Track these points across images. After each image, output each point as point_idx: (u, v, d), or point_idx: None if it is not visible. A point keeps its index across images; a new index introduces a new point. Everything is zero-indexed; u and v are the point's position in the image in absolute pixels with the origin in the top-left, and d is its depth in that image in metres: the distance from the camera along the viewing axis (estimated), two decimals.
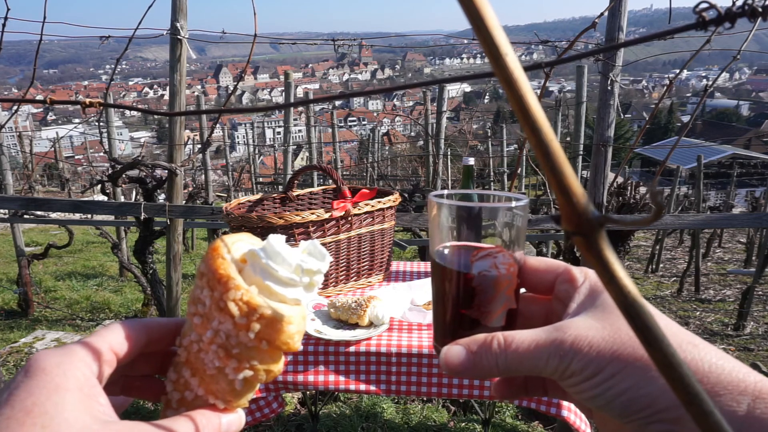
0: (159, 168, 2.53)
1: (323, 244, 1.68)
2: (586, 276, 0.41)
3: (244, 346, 0.39)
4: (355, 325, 1.51)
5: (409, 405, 2.90)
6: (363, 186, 2.64)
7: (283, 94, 4.40)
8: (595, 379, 0.35)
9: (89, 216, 6.22)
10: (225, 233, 0.58)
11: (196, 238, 7.81)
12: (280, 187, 7.43)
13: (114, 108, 3.50)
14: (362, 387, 1.44)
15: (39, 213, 4.72)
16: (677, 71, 2.59)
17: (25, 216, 4.42)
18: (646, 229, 5.74)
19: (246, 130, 15.68)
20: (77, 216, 5.79)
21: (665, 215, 2.31)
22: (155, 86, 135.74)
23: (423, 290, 1.69)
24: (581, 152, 3.98)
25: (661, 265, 7.37)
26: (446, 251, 0.46)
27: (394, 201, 1.84)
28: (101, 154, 16.12)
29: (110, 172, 2.63)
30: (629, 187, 2.25)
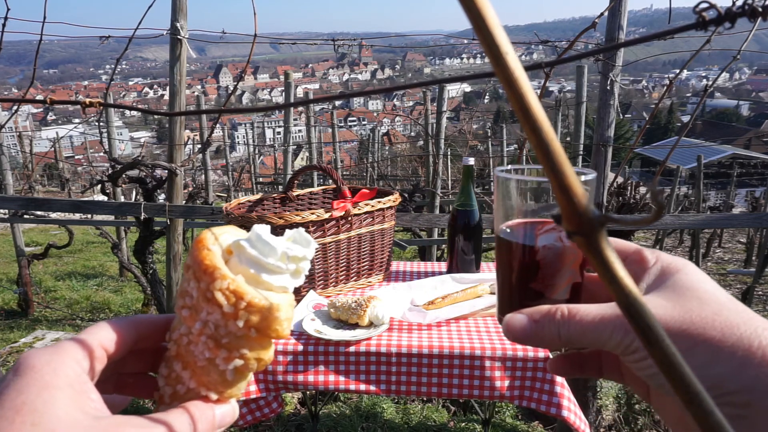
0: (159, 168, 2.53)
1: (323, 244, 1.68)
2: (657, 258, 0.41)
3: (233, 336, 0.39)
4: (355, 325, 1.51)
5: (409, 405, 2.90)
6: (363, 186, 2.64)
7: (283, 94, 4.40)
8: None
9: (89, 216, 6.21)
10: None
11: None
12: (280, 187, 7.43)
13: (114, 108, 3.50)
14: (362, 387, 1.44)
15: (39, 213, 4.72)
16: (677, 71, 2.59)
17: (25, 216, 4.42)
18: (646, 229, 5.74)
19: (246, 130, 15.68)
20: (77, 216, 5.79)
21: (665, 215, 2.31)
22: (155, 86, 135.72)
23: (423, 290, 1.69)
24: (581, 152, 3.98)
25: None
26: (511, 227, 0.47)
27: (394, 201, 1.84)
28: (101, 154, 16.12)
29: (110, 172, 2.63)
30: (629, 187, 2.25)
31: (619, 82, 1.98)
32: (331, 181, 2.12)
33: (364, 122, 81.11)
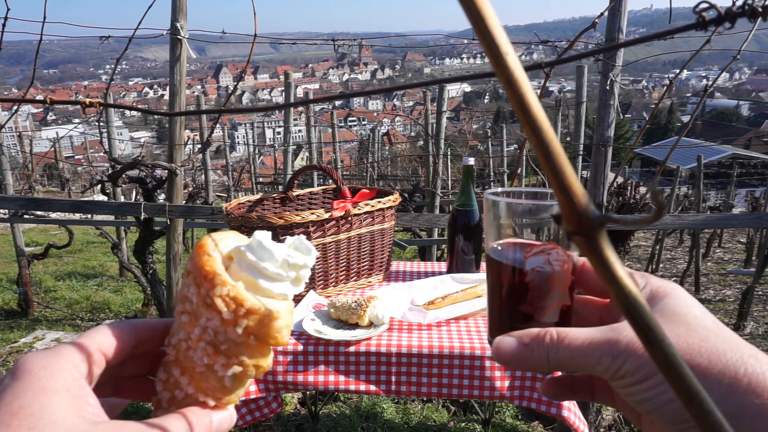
0: (159, 168, 2.53)
1: (323, 244, 1.68)
2: (647, 282, 0.41)
3: (233, 342, 0.39)
4: (355, 325, 1.51)
5: (409, 405, 2.90)
6: (363, 186, 2.64)
7: (283, 94, 4.40)
8: (648, 381, 0.34)
9: (89, 216, 6.21)
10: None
11: (196, 238, 7.81)
12: (280, 187, 7.43)
13: (114, 108, 3.50)
14: (362, 387, 1.44)
15: (39, 213, 4.72)
16: (677, 71, 2.59)
17: (25, 216, 4.42)
18: (646, 229, 5.74)
19: (246, 130, 15.67)
20: (77, 216, 5.79)
21: (665, 215, 2.31)
22: (155, 86, 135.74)
23: (423, 290, 1.69)
24: (581, 152, 3.98)
25: (661, 265, 7.37)
26: (501, 247, 0.47)
27: (394, 201, 1.84)
28: (101, 154, 16.12)
29: (110, 172, 2.63)
30: (629, 187, 2.25)
31: (619, 82, 1.98)
32: (331, 181, 2.12)
33: (364, 122, 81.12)
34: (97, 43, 2.28)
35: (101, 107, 0.62)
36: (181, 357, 0.40)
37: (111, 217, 6.06)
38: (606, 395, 0.44)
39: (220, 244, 0.41)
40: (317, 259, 1.69)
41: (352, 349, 1.44)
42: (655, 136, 40.97)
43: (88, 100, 0.66)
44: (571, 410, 1.44)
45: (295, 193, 2.06)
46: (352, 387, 1.43)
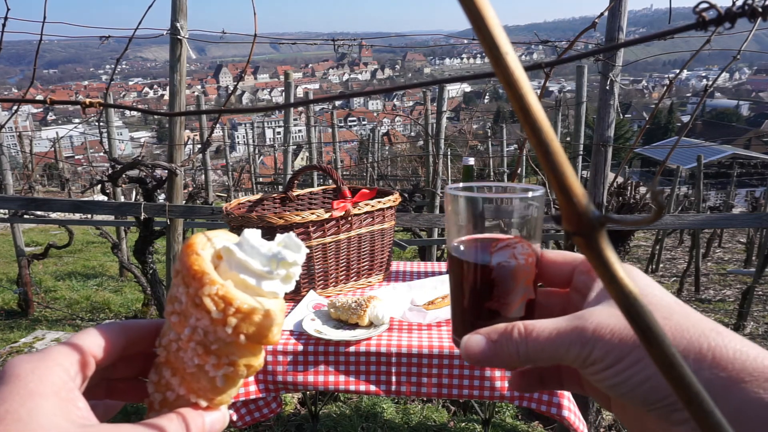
0: (159, 168, 2.53)
1: (323, 244, 1.68)
2: None
3: (223, 342, 0.38)
4: (355, 325, 1.51)
5: (409, 405, 2.90)
6: (363, 186, 2.64)
7: (283, 94, 4.40)
8: (617, 366, 0.34)
9: (89, 216, 6.21)
10: None
11: None
12: (280, 187, 7.43)
13: (114, 108, 3.50)
14: (362, 387, 1.44)
15: (39, 213, 4.72)
16: (677, 71, 2.59)
17: (25, 216, 4.42)
18: (646, 229, 5.74)
19: (246, 130, 15.67)
20: (77, 216, 5.79)
21: (665, 215, 2.31)
22: (155, 86, 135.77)
23: (423, 290, 1.69)
24: (581, 152, 3.98)
25: (661, 265, 7.37)
26: (464, 244, 0.46)
27: (394, 201, 1.84)
28: (101, 154, 16.12)
29: (110, 172, 2.63)
30: (629, 187, 2.25)
31: (619, 82, 1.98)
32: (331, 181, 2.12)
33: (364, 122, 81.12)
34: (97, 43, 2.28)
35: (101, 107, 0.62)
36: (172, 358, 0.40)
37: (111, 217, 6.06)
38: (574, 382, 0.44)
39: (209, 242, 0.41)
40: (317, 259, 1.69)
41: (352, 349, 1.44)
42: (655, 136, 40.96)
43: (88, 100, 0.66)
44: (571, 410, 1.44)
45: (295, 193, 2.06)
46: (352, 387, 1.43)
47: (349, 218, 1.71)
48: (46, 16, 1.98)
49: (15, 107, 2.84)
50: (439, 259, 4.56)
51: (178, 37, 2.18)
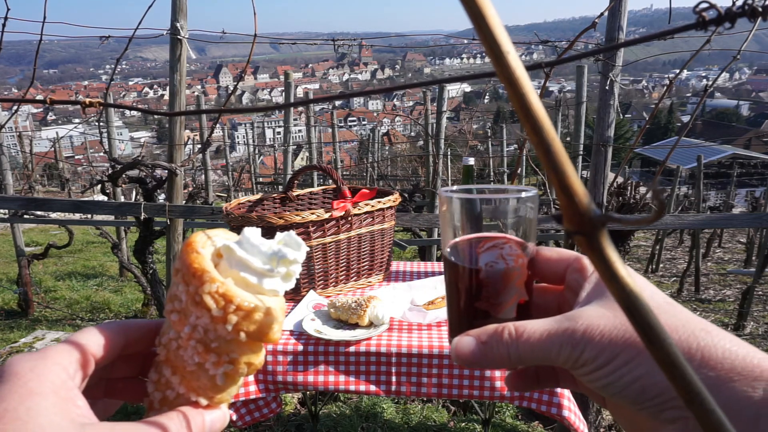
0: (159, 168, 2.53)
1: (323, 244, 1.68)
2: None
3: (223, 340, 0.38)
4: (355, 325, 1.51)
5: (409, 405, 2.90)
6: (363, 186, 2.64)
7: (283, 94, 4.40)
8: (607, 367, 0.35)
9: (89, 216, 6.21)
10: None
11: None
12: (280, 187, 7.43)
13: (114, 108, 3.50)
14: (362, 387, 1.44)
15: (39, 213, 4.72)
16: (677, 71, 2.59)
17: (25, 216, 4.42)
18: (646, 229, 5.75)
19: (246, 130, 15.67)
20: (77, 216, 5.79)
21: (665, 215, 2.31)
22: (155, 86, 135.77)
23: (423, 290, 1.69)
24: (581, 152, 3.98)
25: (661, 265, 7.37)
26: (455, 246, 0.46)
27: (394, 201, 1.84)
28: (101, 154, 16.12)
29: (110, 172, 2.63)
30: (629, 187, 2.25)
31: (619, 82, 1.98)
32: (331, 181, 2.12)
33: (364, 122, 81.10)
34: (97, 43, 2.28)
35: (101, 107, 0.62)
36: (172, 356, 0.40)
37: (111, 217, 6.06)
38: (570, 380, 0.44)
39: (209, 241, 0.41)
40: (317, 259, 1.69)
41: (352, 349, 1.44)
42: (655, 136, 40.96)
43: (88, 100, 0.66)
44: (571, 410, 1.44)
45: (295, 193, 2.06)
46: (352, 387, 1.43)
47: (349, 218, 1.71)
48: (46, 16, 1.99)
49: (15, 107, 2.85)
50: (439, 259, 4.56)
51: (178, 37, 2.18)
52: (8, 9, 1.75)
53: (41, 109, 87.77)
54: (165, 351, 0.40)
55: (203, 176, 6.33)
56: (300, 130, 26.73)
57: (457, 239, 0.46)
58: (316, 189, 2.16)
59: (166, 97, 2.42)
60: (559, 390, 1.42)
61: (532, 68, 0.57)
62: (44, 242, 5.72)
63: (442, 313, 1.54)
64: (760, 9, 0.43)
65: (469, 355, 0.39)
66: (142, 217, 2.49)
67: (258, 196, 2.00)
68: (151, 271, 2.75)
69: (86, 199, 5.13)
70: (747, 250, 7.74)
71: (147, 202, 2.52)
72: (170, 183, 2.36)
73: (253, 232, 0.41)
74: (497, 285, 0.43)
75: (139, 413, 2.79)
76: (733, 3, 0.46)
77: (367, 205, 1.74)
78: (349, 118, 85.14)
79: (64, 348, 0.37)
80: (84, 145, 15.03)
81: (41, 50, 2.11)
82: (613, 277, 0.20)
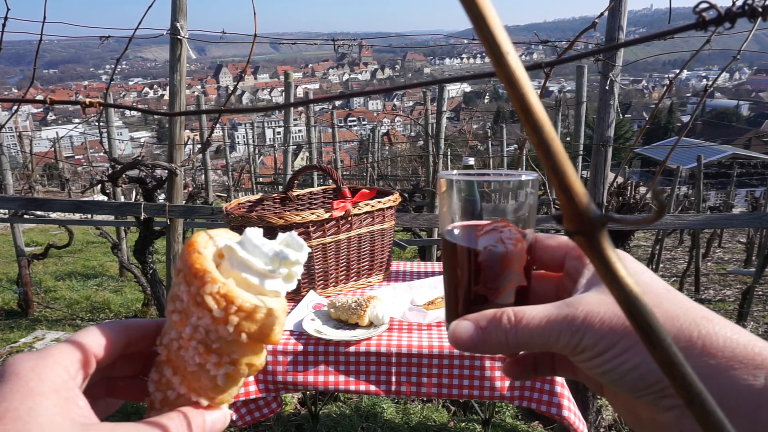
0: (159, 168, 2.53)
1: (323, 244, 1.68)
2: None
3: (224, 340, 0.38)
4: (355, 325, 1.51)
5: (409, 405, 2.90)
6: (363, 186, 2.64)
7: (283, 94, 4.40)
8: (607, 354, 0.34)
9: (89, 216, 6.21)
10: None
11: None
12: (280, 187, 7.43)
13: (114, 108, 3.50)
14: (362, 387, 1.44)
15: (39, 213, 4.72)
16: (677, 71, 2.59)
17: (25, 216, 4.42)
18: (646, 229, 5.75)
19: (246, 130, 15.67)
20: (77, 216, 5.79)
21: (665, 215, 2.31)
22: (155, 86, 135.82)
23: (423, 290, 1.69)
24: (581, 152, 3.98)
25: (661, 265, 7.37)
26: (454, 228, 0.46)
27: (394, 201, 1.84)
28: (101, 154, 16.12)
29: (110, 172, 2.63)
30: (629, 187, 2.25)
31: (619, 82, 1.98)
32: (331, 181, 2.12)
33: (364, 122, 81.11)
34: (97, 43, 2.28)
35: (101, 107, 0.62)
36: (173, 357, 0.40)
37: (111, 217, 6.06)
38: (567, 368, 0.44)
39: (211, 241, 0.41)
40: (317, 259, 1.69)
41: (352, 349, 1.44)
42: (655, 136, 40.95)
43: (88, 100, 0.66)
44: (570, 410, 1.43)
45: (295, 193, 2.06)
46: (352, 387, 1.43)
47: (349, 218, 1.71)
48: (46, 16, 1.99)
49: (15, 107, 2.85)
50: (439, 259, 4.56)
51: (178, 37, 2.18)
52: (8, 9, 1.75)
53: (41, 109, 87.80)
54: (166, 351, 0.40)
55: (203, 176, 6.33)
56: (300, 130, 26.73)
57: (456, 223, 0.46)
58: (316, 189, 2.16)
59: (166, 97, 2.42)
60: (558, 390, 1.42)
61: (532, 68, 0.57)
62: (44, 242, 5.72)
63: (442, 313, 1.54)
64: (760, 9, 0.43)
65: (467, 340, 0.39)
66: (142, 217, 2.49)
67: (258, 196, 2.00)
68: (151, 271, 2.75)
69: (86, 199, 5.13)
70: (747, 250, 7.74)
71: (147, 202, 2.52)
72: (170, 183, 2.36)
73: (254, 233, 0.40)
74: (496, 268, 0.43)
75: (139, 413, 2.79)
76: (733, 3, 0.46)
77: (367, 205, 1.74)
78: (349, 118, 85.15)
79: (65, 348, 0.37)
80: (84, 145, 15.03)
81: (41, 50, 2.11)
82: (614, 277, 0.20)
